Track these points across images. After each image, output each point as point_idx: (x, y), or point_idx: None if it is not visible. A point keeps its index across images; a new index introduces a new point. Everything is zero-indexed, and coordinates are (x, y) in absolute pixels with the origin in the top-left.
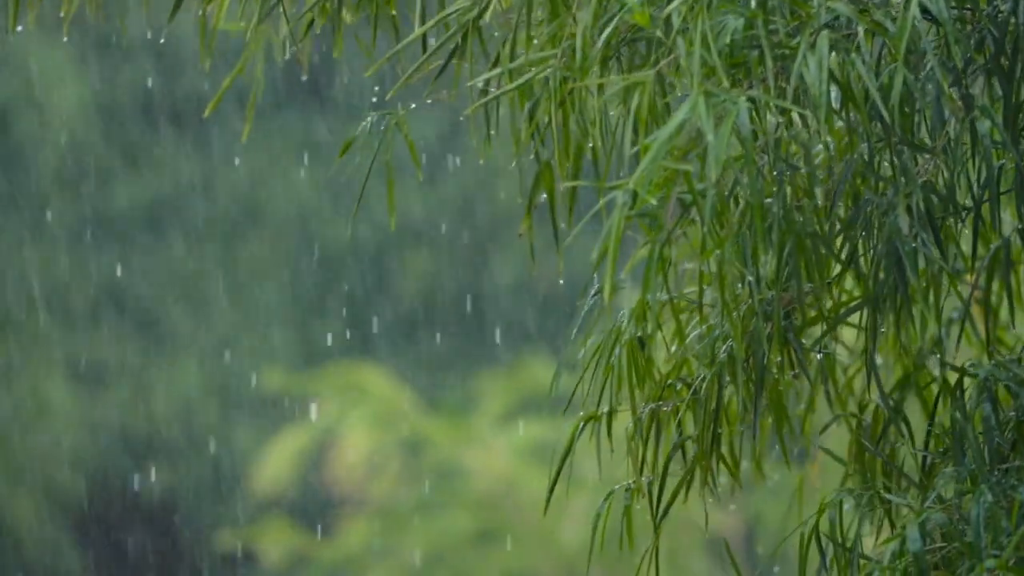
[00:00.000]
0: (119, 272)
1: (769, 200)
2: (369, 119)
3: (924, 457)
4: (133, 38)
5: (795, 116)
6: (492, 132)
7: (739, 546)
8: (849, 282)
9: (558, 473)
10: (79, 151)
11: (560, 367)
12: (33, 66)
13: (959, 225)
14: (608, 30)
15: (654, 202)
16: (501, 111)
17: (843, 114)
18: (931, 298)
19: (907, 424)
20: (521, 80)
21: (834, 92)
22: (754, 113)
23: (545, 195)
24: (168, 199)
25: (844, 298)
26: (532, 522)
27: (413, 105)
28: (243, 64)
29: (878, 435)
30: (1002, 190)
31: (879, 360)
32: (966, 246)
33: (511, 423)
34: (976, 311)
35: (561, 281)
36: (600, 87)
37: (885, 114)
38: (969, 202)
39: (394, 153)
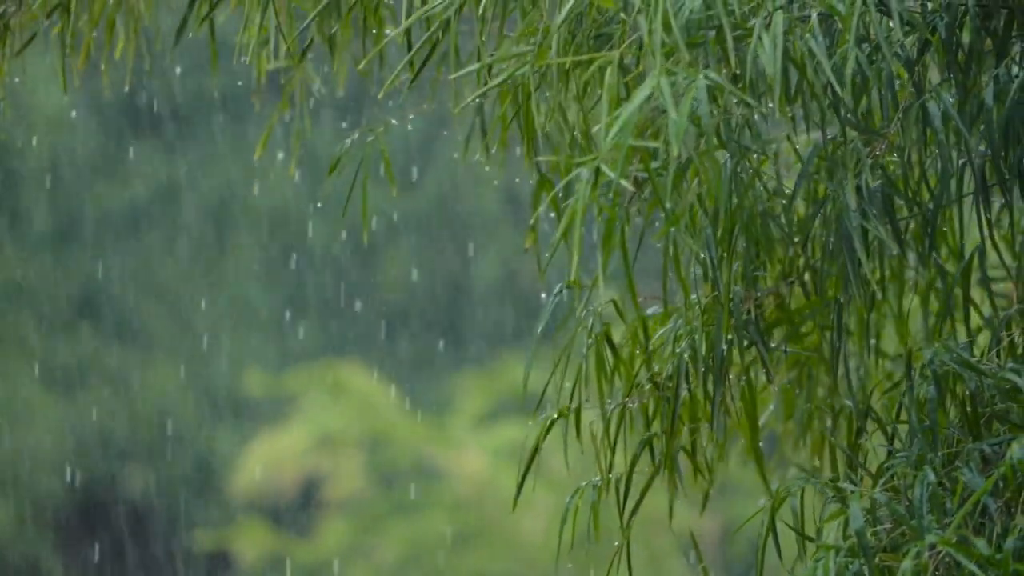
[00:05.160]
0: (98, 275)
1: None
2: (352, 136)
3: (888, 451)
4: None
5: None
6: (476, 133)
7: (715, 549)
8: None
9: (526, 471)
10: (57, 153)
11: (529, 364)
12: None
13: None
14: (571, 5)
15: (621, 179)
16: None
17: (799, 98)
18: (881, 279)
19: (875, 419)
20: (499, 79)
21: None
22: (713, 93)
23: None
24: (147, 202)
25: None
26: (508, 523)
27: (394, 122)
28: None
29: (845, 432)
30: (962, 191)
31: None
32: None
33: (488, 424)
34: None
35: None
36: (567, 71)
37: (838, 89)
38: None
39: (377, 155)
